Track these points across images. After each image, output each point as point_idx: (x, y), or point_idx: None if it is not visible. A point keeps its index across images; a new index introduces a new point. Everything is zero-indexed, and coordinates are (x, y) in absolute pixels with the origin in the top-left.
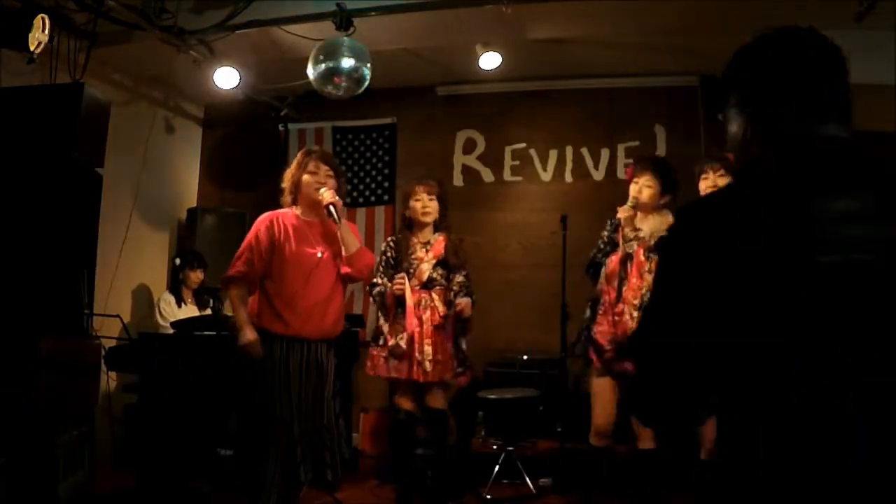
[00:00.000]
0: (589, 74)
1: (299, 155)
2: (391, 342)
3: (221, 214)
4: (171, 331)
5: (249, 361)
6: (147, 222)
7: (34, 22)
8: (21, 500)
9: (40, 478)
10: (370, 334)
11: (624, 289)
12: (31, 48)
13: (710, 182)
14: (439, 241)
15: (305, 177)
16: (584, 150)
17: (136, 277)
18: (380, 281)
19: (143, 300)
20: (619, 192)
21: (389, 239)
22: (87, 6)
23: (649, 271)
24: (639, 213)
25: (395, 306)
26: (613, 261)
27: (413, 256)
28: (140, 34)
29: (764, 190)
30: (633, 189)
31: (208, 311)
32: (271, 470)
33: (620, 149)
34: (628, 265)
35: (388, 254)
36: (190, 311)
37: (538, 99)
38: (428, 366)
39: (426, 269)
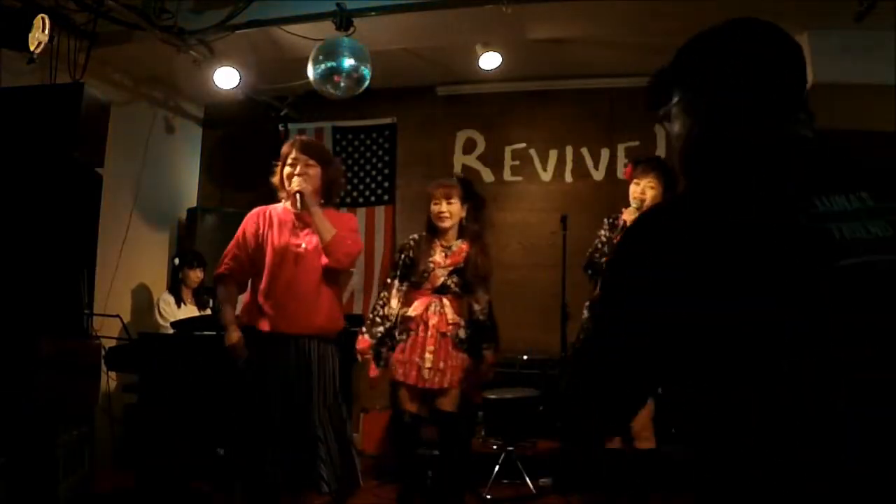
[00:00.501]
0: (589, 74)
1: (283, 147)
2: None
3: (221, 214)
4: (171, 331)
5: (236, 360)
6: (147, 222)
7: (34, 22)
8: (21, 500)
9: (40, 478)
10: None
11: None
12: (31, 48)
13: None
14: (461, 249)
15: (286, 169)
16: (584, 150)
17: (136, 277)
18: (392, 283)
19: (143, 300)
20: (619, 192)
21: (411, 238)
22: (87, 6)
23: None
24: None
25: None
26: None
27: (430, 260)
28: (140, 34)
29: (749, 187)
30: (634, 190)
31: (208, 311)
32: (264, 470)
33: (620, 149)
34: None
35: (409, 253)
36: (189, 310)
37: (538, 99)
38: (426, 374)
39: (440, 276)
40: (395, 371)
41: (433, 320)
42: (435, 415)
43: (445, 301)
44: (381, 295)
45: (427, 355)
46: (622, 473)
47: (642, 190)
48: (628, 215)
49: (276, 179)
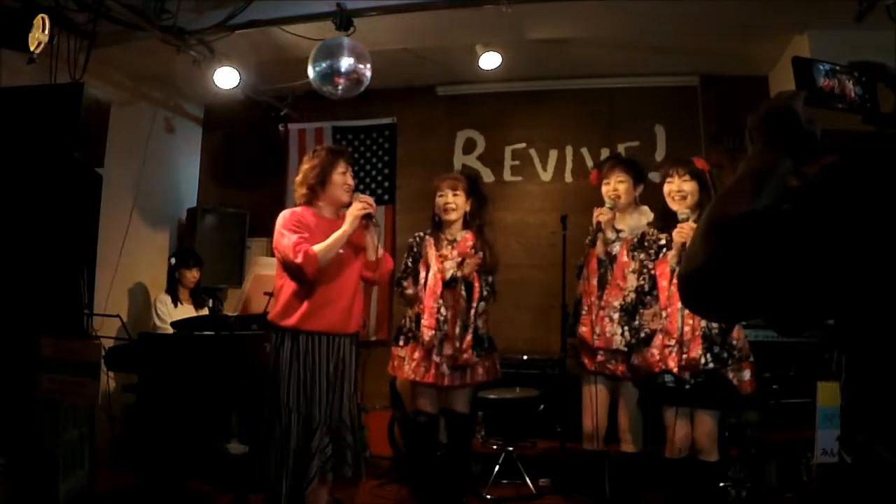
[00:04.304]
0: (589, 74)
1: (323, 152)
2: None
3: (221, 214)
4: (169, 331)
5: (273, 356)
6: (147, 222)
7: (34, 22)
8: (21, 500)
9: (40, 478)
10: (391, 333)
11: (606, 289)
12: (31, 48)
13: (674, 185)
14: (465, 239)
15: (337, 177)
16: (584, 150)
17: (135, 277)
18: (404, 282)
19: (143, 300)
20: (644, 190)
21: (417, 235)
22: (87, 6)
23: (633, 271)
24: (617, 214)
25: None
26: (591, 260)
27: (438, 254)
28: (140, 34)
29: None
30: (607, 190)
31: (205, 311)
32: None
33: (620, 149)
34: (611, 266)
35: (415, 249)
36: (187, 310)
37: (538, 99)
38: (446, 369)
39: (449, 267)
40: (406, 371)
41: (448, 315)
42: (448, 416)
43: (449, 305)
44: (403, 282)
45: (446, 350)
46: (608, 475)
47: (613, 187)
48: (602, 216)
49: (311, 181)
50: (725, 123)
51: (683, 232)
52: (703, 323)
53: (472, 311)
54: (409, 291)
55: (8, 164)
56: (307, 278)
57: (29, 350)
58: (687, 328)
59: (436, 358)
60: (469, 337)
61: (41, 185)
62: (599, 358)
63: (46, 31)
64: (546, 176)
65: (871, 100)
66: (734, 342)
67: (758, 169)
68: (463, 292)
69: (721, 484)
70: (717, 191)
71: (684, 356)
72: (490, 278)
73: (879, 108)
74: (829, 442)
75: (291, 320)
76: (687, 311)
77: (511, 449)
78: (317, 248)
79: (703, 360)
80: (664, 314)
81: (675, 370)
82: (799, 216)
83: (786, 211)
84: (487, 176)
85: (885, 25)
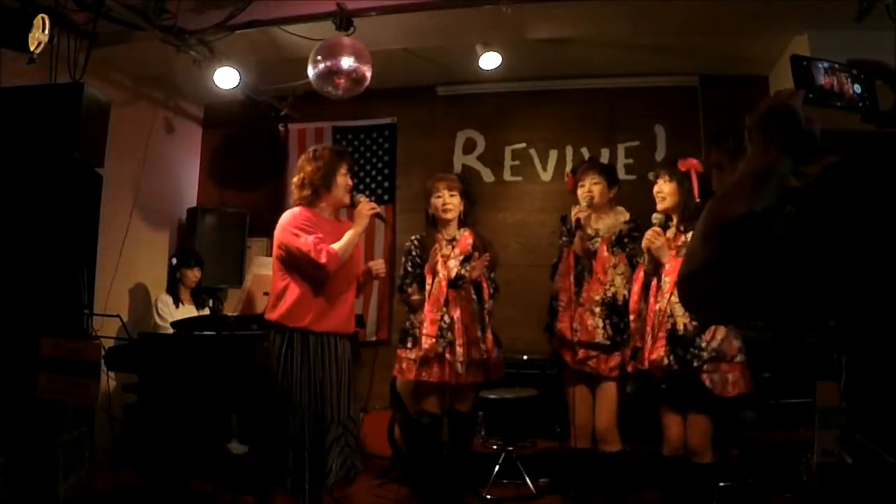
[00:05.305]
0: (589, 74)
1: (327, 153)
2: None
3: (221, 214)
4: (169, 331)
5: (280, 357)
6: (147, 222)
7: (34, 22)
8: (21, 500)
9: (40, 478)
10: (391, 333)
11: (585, 285)
12: (31, 48)
13: (657, 188)
14: (465, 237)
15: (340, 179)
16: (584, 150)
17: (135, 277)
18: (409, 289)
19: (143, 300)
20: (618, 192)
21: (414, 238)
22: (87, 6)
23: (614, 266)
24: (592, 215)
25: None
26: (567, 257)
27: (439, 254)
28: (140, 34)
29: None
30: (580, 192)
31: (206, 311)
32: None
33: (620, 149)
34: (589, 262)
35: (414, 252)
36: (188, 310)
37: (538, 99)
38: (459, 367)
39: (454, 266)
40: (412, 371)
41: (456, 314)
42: (452, 416)
43: (462, 294)
44: (405, 287)
45: (458, 350)
46: (620, 474)
47: (588, 189)
48: (581, 213)
49: (316, 181)
50: (725, 123)
51: (647, 237)
52: (670, 325)
53: (485, 311)
54: (416, 297)
55: (8, 164)
56: (325, 278)
57: (29, 350)
58: (656, 329)
59: (448, 356)
60: (490, 335)
61: (41, 185)
62: (580, 355)
63: (46, 31)
64: (546, 176)
65: (869, 98)
66: (703, 344)
67: (757, 169)
68: (473, 294)
69: (721, 484)
70: (704, 192)
71: (651, 356)
72: (492, 274)
73: (878, 106)
74: (828, 442)
75: (303, 321)
76: (659, 314)
77: (511, 449)
78: (336, 246)
79: (665, 361)
80: (632, 316)
81: (647, 368)
82: (800, 217)
83: (787, 212)
84: (487, 176)
85: (885, 25)
